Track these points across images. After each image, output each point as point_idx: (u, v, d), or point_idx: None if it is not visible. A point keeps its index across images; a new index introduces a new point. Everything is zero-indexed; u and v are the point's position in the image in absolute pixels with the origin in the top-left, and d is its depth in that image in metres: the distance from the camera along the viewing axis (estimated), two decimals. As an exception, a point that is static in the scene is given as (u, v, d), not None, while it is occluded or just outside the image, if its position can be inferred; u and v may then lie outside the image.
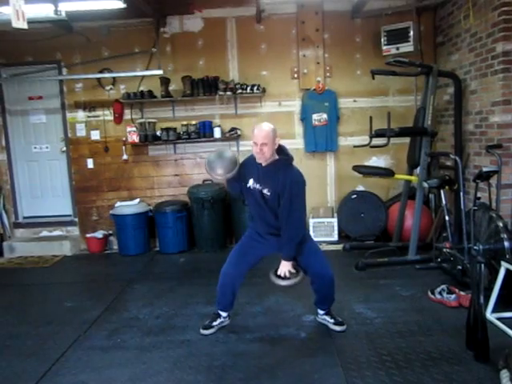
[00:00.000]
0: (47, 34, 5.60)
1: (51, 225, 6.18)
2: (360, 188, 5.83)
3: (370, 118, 4.76)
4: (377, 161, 5.83)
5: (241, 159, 3.29)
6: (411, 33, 5.29)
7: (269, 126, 3.05)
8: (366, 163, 5.74)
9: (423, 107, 4.87)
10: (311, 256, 3.23)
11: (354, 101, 5.80)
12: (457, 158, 4.31)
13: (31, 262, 5.58)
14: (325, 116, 5.67)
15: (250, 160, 3.19)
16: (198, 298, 4.05)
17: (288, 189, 2.98)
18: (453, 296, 3.59)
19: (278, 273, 3.14)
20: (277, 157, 3.08)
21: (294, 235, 3.08)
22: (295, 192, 3.01)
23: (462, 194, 4.17)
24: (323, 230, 5.66)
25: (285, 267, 3.12)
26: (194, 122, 5.71)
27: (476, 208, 3.90)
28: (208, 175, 5.82)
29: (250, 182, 3.14)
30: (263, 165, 3.08)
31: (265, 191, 3.08)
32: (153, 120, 5.77)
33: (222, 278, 3.29)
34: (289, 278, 3.14)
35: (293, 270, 3.15)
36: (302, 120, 5.81)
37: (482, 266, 2.93)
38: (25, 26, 3.37)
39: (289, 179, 3.00)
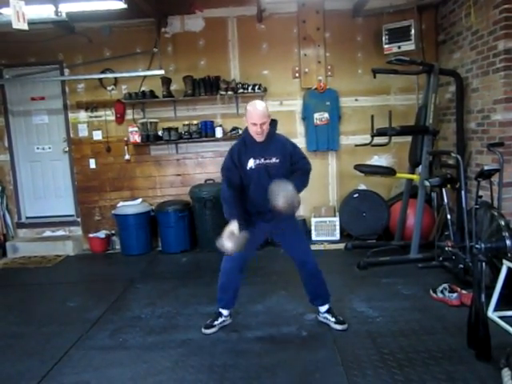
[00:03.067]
0: (49, 34, 5.62)
1: (54, 225, 6.20)
2: (362, 187, 5.82)
3: (372, 116, 4.76)
4: (378, 160, 5.82)
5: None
6: (412, 31, 5.29)
7: (261, 103, 3.13)
8: (368, 162, 5.73)
9: (425, 106, 4.86)
10: (296, 244, 3.31)
11: (356, 100, 5.79)
12: (458, 157, 4.30)
13: (34, 262, 5.61)
14: (326, 115, 5.66)
15: (240, 145, 3.19)
16: (199, 297, 4.06)
17: (295, 151, 3.20)
18: (455, 295, 3.59)
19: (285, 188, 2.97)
20: None
21: (306, 180, 3.21)
22: (300, 153, 3.25)
23: (463, 192, 4.16)
24: (325, 229, 5.66)
25: (291, 188, 2.98)
26: (195, 122, 5.71)
27: (478, 206, 3.89)
28: (210, 176, 5.87)
29: (251, 163, 3.13)
30: (261, 140, 3.11)
31: (273, 160, 3.12)
32: (154, 120, 5.78)
33: (222, 275, 3.32)
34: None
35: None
36: (303, 119, 5.81)
37: (484, 264, 2.92)
38: (25, 27, 3.38)
39: (290, 144, 3.22)
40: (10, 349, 3.31)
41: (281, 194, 2.91)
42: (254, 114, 3.03)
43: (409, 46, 5.32)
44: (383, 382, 2.62)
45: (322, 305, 3.39)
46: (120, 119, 5.91)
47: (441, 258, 4.36)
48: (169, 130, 5.70)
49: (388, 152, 5.74)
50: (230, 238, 2.99)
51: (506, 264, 3.26)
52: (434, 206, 5.31)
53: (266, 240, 3.40)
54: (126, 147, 5.92)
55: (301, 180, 3.17)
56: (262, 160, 3.13)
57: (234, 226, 3.06)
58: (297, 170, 3.20)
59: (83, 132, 5.98)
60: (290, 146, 3.21)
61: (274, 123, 3.28)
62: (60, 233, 6.20)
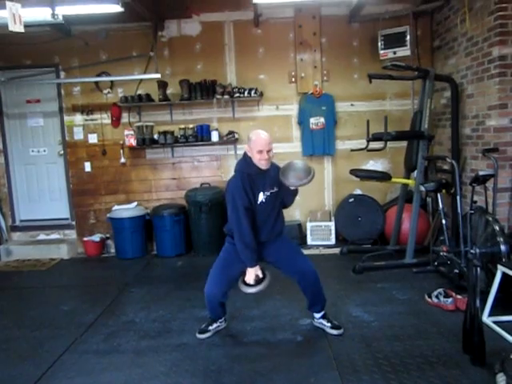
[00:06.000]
0: (45, 37, 5.61)
1: (48, 228, 6.17)
2: (357, 192, 5.83)
3: (367, 121, 4.78)
4: (374, 164, 5.84)
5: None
6: (408, 37, 5.33)
7: (263, 132, 3.11)
8: (364, 167, 5.75)
9: (420, 111, 4.88)
10: (292, 255, 3.26)
11: (352, 104, 5.81)
12: (454, 162, 4.32)
13: (28, 266, 5.57)
14: (322, 120, 5.68)
15: (246, 179, 3.07)
16: (194, 301, 4.04)
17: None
18: (450, 299, 3.60)
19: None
20: None
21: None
22: None
23: (458, 197, 4.17)
24: (321, 233, 5.66)
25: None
26: (191, 126, 5.72)
27: (473, 212, 3.91)
28: (206, 179, 5.86)
29: (261, 196, 3.09)
30: (265, 168, 3.08)
31: (275, 189, 3.13)
32: (150, 123, 5.77)
33: (207, 296, 3.26)
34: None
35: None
36: (299, 124, 5.82)
37: (479, 269, 2.92)
38: (21, 29, 3.38)
39: (278, 168, 3.19)
40: (3, 353, 3.28)
41: (291, 172, 3.03)
42: (260, 141, 3.01)
43: (404, 51, 5.37)
44: (378, 386, 2.62)
45: (320, 311, 3.38)
46: (116, 122, 5.90)
47: (436, 263, 4.36)
48: (165, 133, 5.69)
49: (383, 157, 5.77)
50: (255, 283, 3.08)
51: (500, 269, 3.27)
52: (429, 210, 5.32)
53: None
54: (121, 150, 5.90)
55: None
56: (269, 191, 3.12)
57: (258, 271, 3.10)
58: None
59: (79, 135, 5.96)
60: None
61: None
62: (54, 236, 6.16)
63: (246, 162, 3.12)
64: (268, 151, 3.02)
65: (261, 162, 3.04)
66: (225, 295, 3.28)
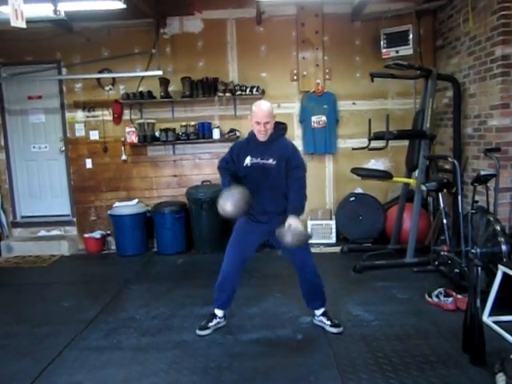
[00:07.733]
0: (47, 33, 5.61)
1: (49, 224, 6.17)
2: (358, 190, 5.83)
3: (369, 120, 4.76)
4: (375, 163, 5.83)
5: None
6: (411, 36, 5.32)
7: (266, 103, 3.18)
8: (365, 166, 5.74)
9: (422, 110, 4.87)
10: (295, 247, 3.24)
11: (353, 103, 5.80)
12: (455, 162, 4.31)
13: (29, 262, 5.58)
14: (324, 118, 5.67)
15: (242, 143, 3.35)
16: (194, 299, 4.05)
17: (293, 156, 3.18)
18: (450, 299, 3.59)
19: (292, 227, 2.97)
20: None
21: (304, 192, 3.17)
22: (298, 159, 3.20)
23: (460, 197, 4.17)
24: (321, 232, 5.66)
25: (297, 222, 3.01)
26: (193, 123, 5.71)
27: (474, 211, 3.91)
28: (207, 177, 5.88)
29: (247, 160, 3.18)
30: (263, 140, 3.14)
31: (270, 161, 3.14)
32: (152, 121, 5.77)
33: (222, 274, 3.31)
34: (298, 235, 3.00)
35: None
36: (301, 122, 5.81)
37: (479, 269, 2.92)
38: (23, 25, 3.36)
39: (290, 148, 3.22)
40: (4, 349, 3.28)
41: (289, 232, 2.95)
42: (259, 113, 3.08)
43: (407, 50, 5.35)
44: (378, 385, 2.62)
45: (318, 308, 3.38)
46: (117, 119, 5.90)
47: (436, 263, 4.36)
48: (166, 130, 5.69)
49: (385, 156, 5.75)
50: (229, 198, 3.01)
51: (501, 269, 3.26)
52: (430, 210, 5.31)
53: (264, 241, 3.38)
54: (122, 147, 5.90)
55: (299, 197, 3.13)
56: (259, 159, 3.15)
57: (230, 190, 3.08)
58: (291, 180, 3.14)
59: (80, 132, 5.97)
60: (290, 149, 3.19)
61: (281, 127, 3.29)
62: (55, 232, 6.17)
63: (252, 131, 3.23)
64: (265, 123, 3.07)
65: (258, 134, 3.13)
66: (239, 274, 3.32)
